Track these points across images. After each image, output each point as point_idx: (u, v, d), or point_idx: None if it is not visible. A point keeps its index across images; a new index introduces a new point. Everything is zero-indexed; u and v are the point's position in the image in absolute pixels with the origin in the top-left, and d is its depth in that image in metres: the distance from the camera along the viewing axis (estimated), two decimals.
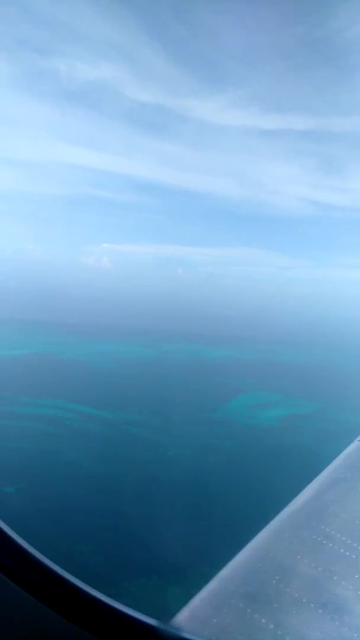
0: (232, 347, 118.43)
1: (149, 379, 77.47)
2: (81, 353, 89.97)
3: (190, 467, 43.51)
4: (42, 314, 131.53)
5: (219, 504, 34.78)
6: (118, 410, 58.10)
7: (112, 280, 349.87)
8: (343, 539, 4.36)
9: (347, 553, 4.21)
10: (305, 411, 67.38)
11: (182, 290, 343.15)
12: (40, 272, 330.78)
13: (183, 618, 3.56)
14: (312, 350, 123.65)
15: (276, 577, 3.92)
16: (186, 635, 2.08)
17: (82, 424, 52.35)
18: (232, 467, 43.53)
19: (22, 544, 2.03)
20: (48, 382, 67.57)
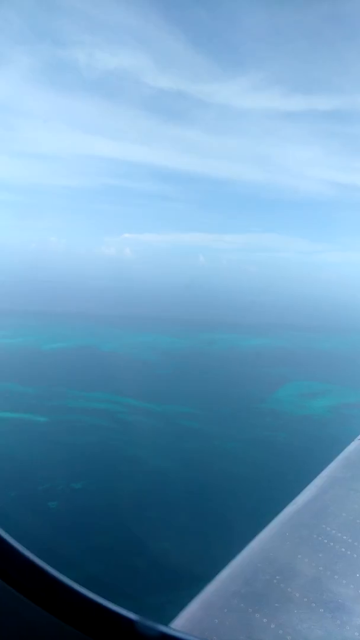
0: (269, 335, 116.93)
1: (192, 370, 77.05)
2: (120, 345, 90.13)
3: (250, 461, 42.90)
4: (73, 307, 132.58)
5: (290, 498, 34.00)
6: (167, 403, 57.83)
7: (136, 271, 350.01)
8: (344, 538, 4.30)
9: (348, 552, 4.15)
10: (355, 400, 65.80)
11: (206, 278, 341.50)
12: (65, 264, 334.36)
13: (185, 618, 3.50)
14: (350, 337, 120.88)
15: (277, 577, 3.87)
16: (177, 634, 2.03)
17: (134, 417, 52.27)
18: (292, 461, 42.67)
19: (16, 545, 2.01)
20: (94, 375, 67.84)
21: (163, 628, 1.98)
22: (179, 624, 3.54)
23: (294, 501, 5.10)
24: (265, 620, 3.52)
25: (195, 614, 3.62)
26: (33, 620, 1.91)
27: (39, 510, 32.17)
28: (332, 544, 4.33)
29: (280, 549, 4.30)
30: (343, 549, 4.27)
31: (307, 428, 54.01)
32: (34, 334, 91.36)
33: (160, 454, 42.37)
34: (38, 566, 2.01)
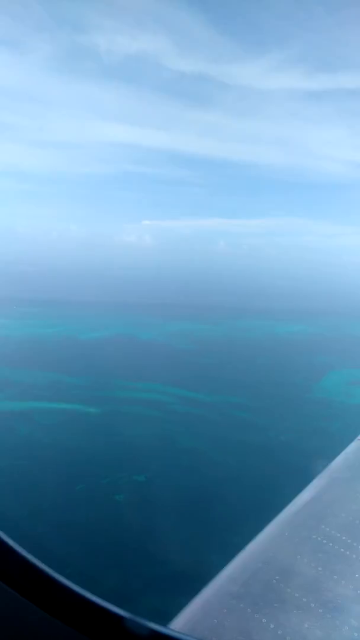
0: (303, 321, 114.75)
1: (233, 359, 75.98)
2: (158, 334, 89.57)
3: (311, 452, 41.74)
4: (102, 296, 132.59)
5: None
6: (214, 393, 57.02)
7: (158, 258, 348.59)
8: (343, 538, 4.25)
9: (347, 552, 4.12)
10: None
11: (228, 264, 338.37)
12: (86, 253, 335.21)
13: (184, 619, 3.46)
14: None
15: (276, 577, 3.85)
16: (170, 633, 2.07)
17: (185, 407, 51.66)
18: None
19: (15, 547, 2.04)
20: (137, 365, 67.46)
21: (156, 626, 1.99)
22: (177, 624, 3.50)
23: (293, 502, 5.01)
24: (264, 620, 3.50)
25: (194, 614, 3.58)
26: (27, 618, 1.91)
27: (107, 504, 31.90)
28: (331, 544, 4.27)
29: (279, 549, 4.28)
30: (342, 550, 4.21)
31: None
32: (70, 324, 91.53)
33: (218, 446, 41.67)
34: (31, 563, 2.00)
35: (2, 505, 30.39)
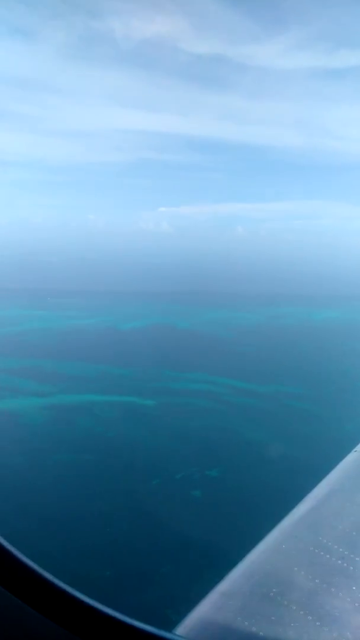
0: (336, 307, 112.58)
1: (275, 347, 74.72)
2: (194, 322, 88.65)
3: None
4: (131, 285, 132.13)
5: None
6: (266, 383, 55.97)
7: (177, 245, 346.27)
8: (340, 550, 4.25)
9: (345, 564, 4.12)
10: None
11: (247, 249, 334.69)
12: (107, 242, 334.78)
13: (181, 633, 3.50)
14: None
15: (274, 590, 3.85)
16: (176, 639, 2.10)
17: (240, 398, 50.79)
18: None
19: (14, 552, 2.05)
20: (182, 354, 66.81)
21: (163, 633, 2.00)
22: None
23: (291, 513, 4.98)
24: (262, 633, 3.54)
25: (191, 628, 3.58)
26: (27, 623, 1.92)
27: (186, 500, 31.31)
28: (328, 556, 4.26)
29: (277, 561, 4.27)
30: (339, 562, 4.21)
31: None
32: (106, 314, 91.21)
33: (284, 439, 40.71)
34: (36, 572, 2.01)
35: (83, 501, 30.05)
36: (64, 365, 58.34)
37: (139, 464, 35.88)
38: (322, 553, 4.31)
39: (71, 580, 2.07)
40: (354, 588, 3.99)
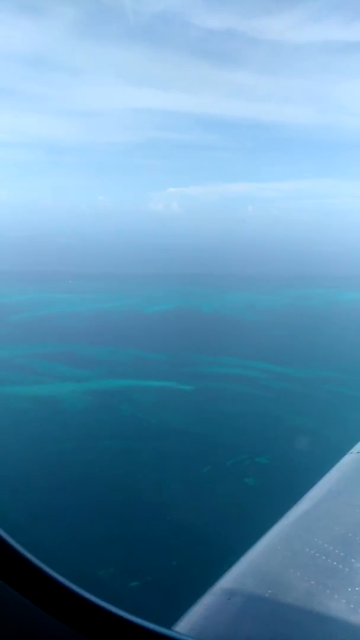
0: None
1: (305, 329, 73.60)
2: (219, 305, 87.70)
3: None
4: (149, 267, 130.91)
5: None
6: (303, 367, 55.17)
7: (189, 226, 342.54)
8: (336, 551, 4.29)
9: (340, 566, 4.17)
10: None
11: (260, 230, 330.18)
12: (118, 223, 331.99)
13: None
14: None
15: (269, 591, 3.90)
16: (178, 636, 2.13)
17: (278, 383, 50.12)
18: None
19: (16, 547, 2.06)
20: (210, 338, 66.10)
21: (164, 630, 2.02)
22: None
23: (287, 514, 4.94)
24: (257, 634, 3.53)
25: (187, 628, 3.53)
26: (32, 622, 1.93)
27: (240, 488, 30.95)
28: (324, 557, 4.24)
29: (272, 562, 4.23)
30: (335, 563, 4.19)
31: None
32: (129, 297, 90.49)
33: (329, 424, 40.06)
34: (38, 568, 2.03)
35: (139, 489, 29.80)
36: (97, 350, 57.95)
37: (186, 451, 35.54)
38: (317, 554, 4.31)
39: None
40: (349, 589, 3.99)
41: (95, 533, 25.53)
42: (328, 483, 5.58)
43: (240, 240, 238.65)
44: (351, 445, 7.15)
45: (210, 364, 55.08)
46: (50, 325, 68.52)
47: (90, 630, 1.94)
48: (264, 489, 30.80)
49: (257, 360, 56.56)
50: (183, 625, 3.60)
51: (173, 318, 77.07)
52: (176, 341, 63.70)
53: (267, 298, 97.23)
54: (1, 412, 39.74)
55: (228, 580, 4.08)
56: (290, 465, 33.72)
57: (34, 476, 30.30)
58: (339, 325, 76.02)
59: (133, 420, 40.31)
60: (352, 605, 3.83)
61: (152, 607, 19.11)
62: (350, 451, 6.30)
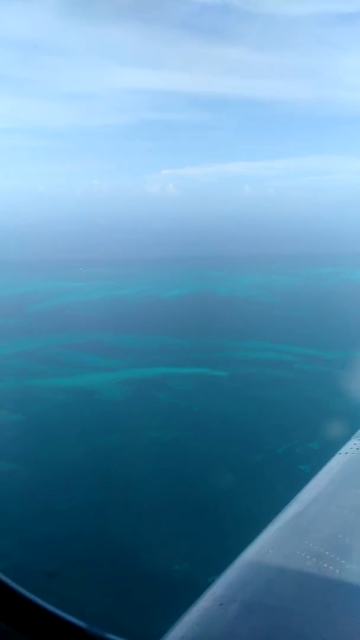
0: None
1: (325, 310, 72.58)
2: (234, 288, 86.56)
3: None
4: (155, 251, 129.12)
5: None
6: (331, 348, 54.33)
7: (188, 208, 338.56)
8: (326, 553, 4.32)
9: (331, 568, 4.18)
10: None
11: (260, 210, 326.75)
12: (116, 208, 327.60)
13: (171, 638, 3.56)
14: None
15: (261, 596, 3.91)
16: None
17: (312, 366, 49.35)
18: None
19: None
20: (234, 322, 65.09)
21: (111, 636, 2.04)
22: None
23: (277, 518, 4.92)
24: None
25: (179, 636, 3.55)
26: None
27: (298, 476, 30.30)
28: (315, 560, 4.24)
29: (263, 567, 4.25)
30: (325, 565, 4.18)
31: None
32: (143, 283, 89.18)
33: None
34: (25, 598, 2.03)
35: (195, 481, 29.15)
36: (122, 338, 56.93)
37: (235, 439, 34.89)
38: (308, 557, 4.30)
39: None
40: (340, 591, 4.00)
41: (164, 527, 24.89)
42: (317, 486, 5.53)
43: (241, 220, 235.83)
44: None
45: (239, 349, 54.18)
46: (70, 314, 67.29)
47: (38, 635, 1.94)
48: None
49: (286, 344, 55.72)
50: (176, 632, 3.58)
51: (191, 302, 75.94)
52: (199, 326, 62.69)
53: (281, 279, 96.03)
54: (41, 406, 38.82)
55: (220, 585, 4.05)
56: None
57: (90, 471, 29.54)
58: (356, 305, 75.09)
59: (174, 409, 39.54)
60: (344, 608, 3.80)
61: None
62: (339, 452, 6.28)
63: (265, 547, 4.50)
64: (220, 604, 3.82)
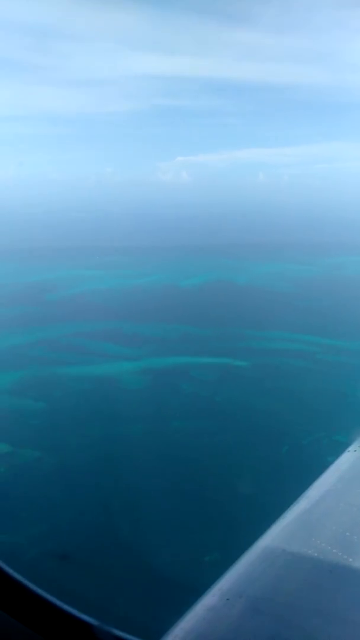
0: None
1: (345, 299, 71.52)
2: (253, 277, 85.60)
3: None
4: (171, 239, 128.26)
5: None
6: (353, 339, 53.46)
7: (203, 195, 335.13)
8: (334, 551, 4.32)
9: (339, 565, 4.17)
10: None
11: (276, 197, 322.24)
12: (130, 195, 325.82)
13: (174, 636, 3.52)
14: None
15: (267, 593, 3.92)
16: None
17: (334, 357, 48.66)
18: None
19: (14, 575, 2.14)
20: (252, 312, 64.41)
21: (119, 633, 2.12)
22: None
23: (284, 515, 4.86)
24: (256, 637, 3.53)
25: (184, 631, 3.53)
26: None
27: (326, 468, 29.92)
28: (322, 557, 4.25)
29: (270, 564, 4.21)
30: (333, 563, 4.19)
31: None
32: (160, 272, 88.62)
33: None
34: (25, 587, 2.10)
35: (224, 471, 28.94)
36: (141, 327, 56.71)
37: (259, 430, 34.57)
38: (316, 554, 4.29)
39: None
40: (348, 589, 4.00)
41: (191, 517, 24.79)
42: (325, 483, 5.50)
43: (256, 207, 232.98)
44: None
45: (260, 339, 53.60)
46: (88, 302, 67.21)
47: (47, 630, 2.00)
48: None
49: (307, 334, 55.00)
50: (182, 627, 3.56)
51: (209, 291, 75.34)
52: (218, 315, 62.19)
53: (300, 268, 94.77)
54: (65, 395, 38.88)
55: (226, 581, 4.03)
56: None
57: (117, 459, 29.55)
58: None
59: (196, 398, 39.30)
60: (350, 605, 3.78)
61: None
62: (348, 449, 6.26)
63: (273, 544, 4.52)
64: (227, 599, 3.82)
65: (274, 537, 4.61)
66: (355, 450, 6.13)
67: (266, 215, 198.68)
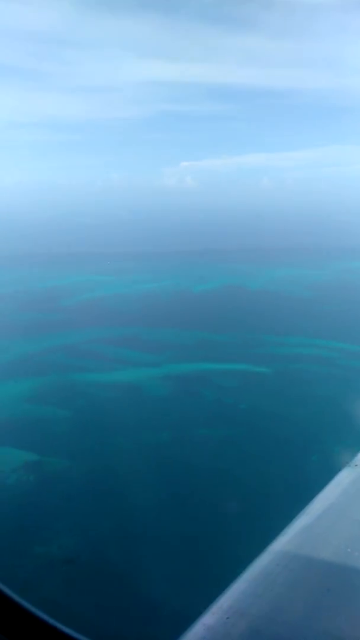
0: None
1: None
2: (264, 282, 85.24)
3: None
4: (182, 244, 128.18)
5: None
6: None
7: (208, 200, 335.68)
8: (337, 569, 4.26)
9: (341, 584, 4.13)
10: None
11: (281, 201, 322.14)
12: (136, 200, 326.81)
13: None
14: None
15: (268, 611, 3.87)
16: None
17: (357, 362, 48.10)
18: None
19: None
20: (270, 317, 64.00)
21: None
22: None
23: (285, 530, 4.80)
24: None
25: None
26: None
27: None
28: (323, 574, 4.23)
29: (271, 581, 4.14)
30: (335, 581, 4.15)
31: None
32: (172, 277, 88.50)
33: None
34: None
35: (254, 482, 28.44)
36: (158, 332, 56.40)
37: (286, 438, 34.05)
38: (317, 572, 4.25)
39: None
40: (348, 605, 3.92)
41: (226, 527, 24.33)
42: (326, 498, 5.40)
43: (262, 212, 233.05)
44: None
45: (279, 345, 53.13)
46: (103, 308, 67.04)
47: None
48: None
49: (326, 339, 54.46)
50: None
51: (223, 297, 75.03)
52: (235, 321, 61.82)
53: (312, 272, 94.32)
54: (88, 402, 38.56)
55: (227, 599, 3.97)
56: None
57: (145, 468, 29.09)
58: None
59: (221, 406, 38.86)
60: (352, 622, 3.77)
61: None
62: (349, 464, 6.17)
63: (274, 561, 4.43)
64: (227, 618, 3.77)
65: (275, 553, 4.57)
66: (357, 465, 6.04)
67: (271, 220, 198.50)
